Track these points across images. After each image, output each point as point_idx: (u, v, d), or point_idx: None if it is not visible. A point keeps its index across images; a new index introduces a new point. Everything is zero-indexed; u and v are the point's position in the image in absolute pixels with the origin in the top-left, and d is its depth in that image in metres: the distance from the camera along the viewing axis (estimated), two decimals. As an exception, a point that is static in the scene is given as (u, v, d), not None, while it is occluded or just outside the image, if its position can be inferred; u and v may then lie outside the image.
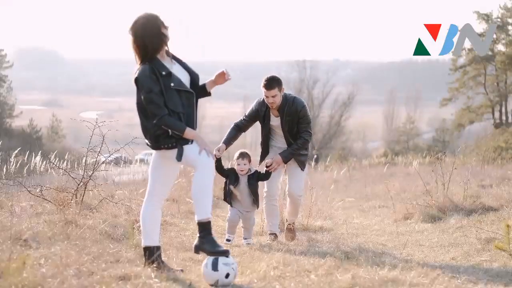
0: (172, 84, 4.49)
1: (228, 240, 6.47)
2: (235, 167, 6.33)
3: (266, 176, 6.40)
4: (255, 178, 6.34)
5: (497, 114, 37.07)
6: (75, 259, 4.62)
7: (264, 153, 6.68)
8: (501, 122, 36.42)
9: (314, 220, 7.95)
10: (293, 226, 6.92)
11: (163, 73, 4.48)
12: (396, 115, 65.46)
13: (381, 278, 4.46)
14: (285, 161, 6.39)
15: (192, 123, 4.57)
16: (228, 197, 6.40)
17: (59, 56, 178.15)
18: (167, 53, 4.68)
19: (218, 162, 6.32)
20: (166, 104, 4.47)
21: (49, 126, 49.64)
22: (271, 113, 6.50)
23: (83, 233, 5.64)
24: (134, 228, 5.65)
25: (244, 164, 6.30)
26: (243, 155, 6.34)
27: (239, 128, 6.56)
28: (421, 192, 9.58)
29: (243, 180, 6.31)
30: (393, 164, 20.18)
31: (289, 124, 6.43)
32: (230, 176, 6.35)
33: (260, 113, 6.53)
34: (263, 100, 6.51)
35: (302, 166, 6.61)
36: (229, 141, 6.48)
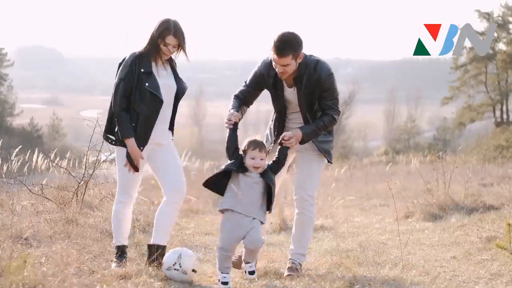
0: (146, 84, 4.52)
1: (224, 283, 4.24)
2: (246, 160, 4.37)
3: (280, 160, 4.47)
4: (269, 171, 4.43)
5: (498, 113, 37.07)
6: (76, 257, 4.62)
7: (278, 136, 4.75)
8: (502, 121, 36.42)
9: (315, 219, 7.93)
10: (299, 267, 4.75)
11: (142, 70, 4.53)
12: (397, 113, 65.33)
13: (382, 277, 4.46)
14: (306, 139, 4.58)
15: (150, 129, 4.55)
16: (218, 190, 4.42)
17: (60, 54, 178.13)
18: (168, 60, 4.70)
19: (233, 133, 4.52)
20: (132, 100, 4.51)
21: (50, 124, 49.64)
22: (282, 81, 4.69)
23: (83, 231, 5.64)
24: (134, 226, 5.65)
25: (261, 159, 4.35)
26: (260, 145, 4.37)
27: (241, 101, 4.79)
28: (422, 190, 9.57)
29: (255, 177, 4.37)
30: (394, 163, 20.17)
31: (308, 99, 4.64)
32: (235, 161, 4.41)
33: (267, 79, 4.69)
34: (271, 61, 4.62)
35: (328, 155, 4.78)
36: (239, 107, 4.71)
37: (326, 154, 4.76)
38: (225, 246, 4.27)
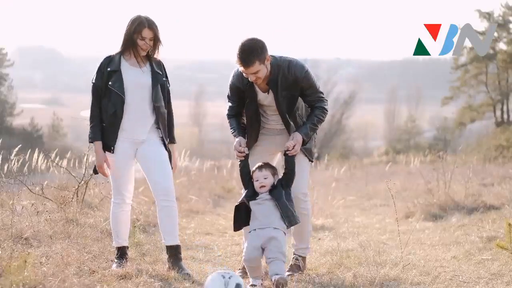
0: (110, 83, 4.59)
1: (253, 285, 4.27)
2: (254, 184, 4.45)
3: (290, 171, 4.48)
4: (279, 187, 4.43)
5: (498, 113, 37.03)
6: (76, 257, 4.62)
7: (251, 142, 4.69)
8: (503, 121, 36.38)
9: (315, 219, 7.94)
10: (303, 261, 4.85)
11: (109, 69, 4.61)
12: (398, 113, 65.43)
13: (382, 277, 4.46)
14: (307, 139, 4.56)
15: (116, 126, 4.59)
16: (238, 221, 4.48)
17: (60, 54, 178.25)
18: (147, 56, 4.70)
19: (245, 162, 4.58)
20: (102, 100, 4.62)
21: (50, 124, 49.63)
22: (255, 87, 4.57)
23: (84, 231, 5.65)
24: (135, 226, 5.65)
25: (265, 178, 4.40)
26: (260, 166, 4.48)
27: (236, 117, 4.75)
28: (423, 190, 9.58)
29: (264, 196, 4.41)
30: (394, 163, 20.16)
31: (288, 101, 4.54)
32: (248, 189, 4.48)
33: (243, 89, 4.58)
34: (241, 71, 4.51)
35: (309, 154, 4.74)
36: (240, 126, 4.69)
37: (308, 153, 4.72)
38: (246, 257, 4.26)
